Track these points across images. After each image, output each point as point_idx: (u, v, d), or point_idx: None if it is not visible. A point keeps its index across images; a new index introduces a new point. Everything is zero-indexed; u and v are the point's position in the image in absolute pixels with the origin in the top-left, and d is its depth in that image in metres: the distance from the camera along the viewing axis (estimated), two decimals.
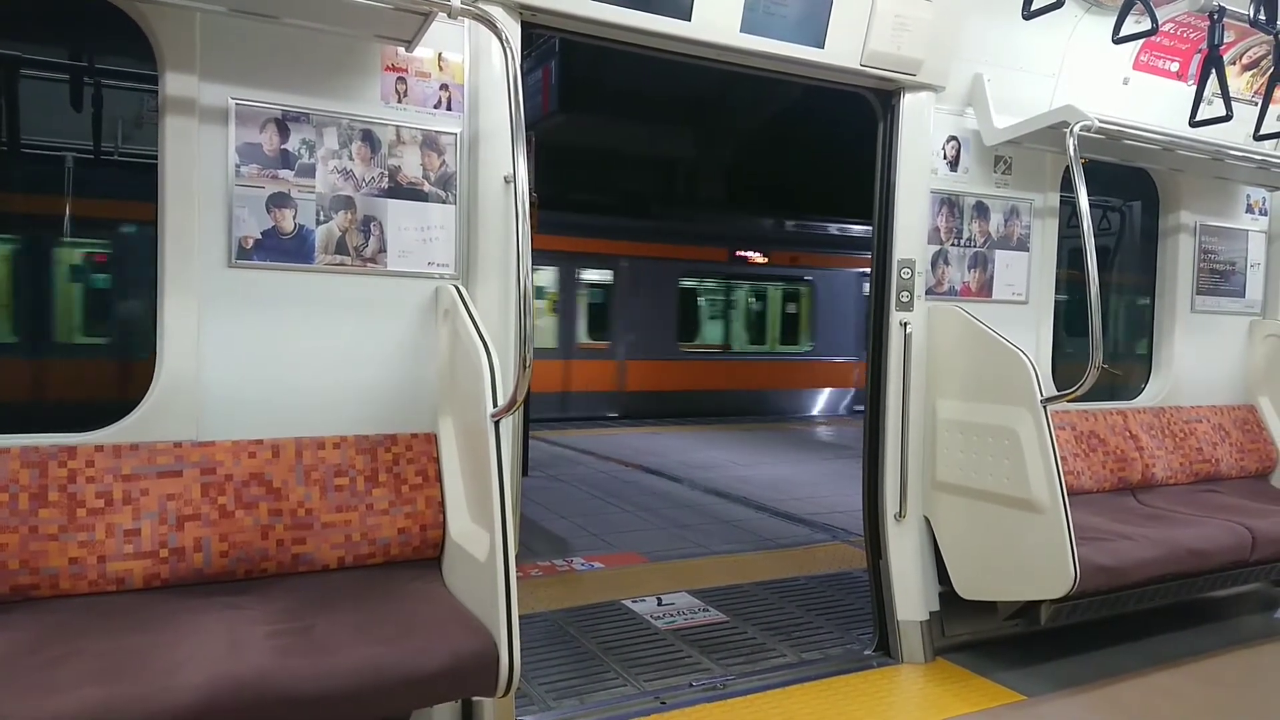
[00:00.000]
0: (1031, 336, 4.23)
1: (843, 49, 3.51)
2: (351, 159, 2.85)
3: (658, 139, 16.98)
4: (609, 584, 4.94)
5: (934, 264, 3.99)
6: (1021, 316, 4.22)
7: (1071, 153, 3.50)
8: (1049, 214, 4.30)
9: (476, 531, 2.58)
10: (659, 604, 4.55)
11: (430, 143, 2.95)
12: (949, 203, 4.02)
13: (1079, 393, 3.44)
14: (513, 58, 2.54)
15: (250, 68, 2.70)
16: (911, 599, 3.85)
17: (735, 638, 4.09)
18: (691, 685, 3.54)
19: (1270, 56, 4.20)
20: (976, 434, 3.72)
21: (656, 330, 15.16)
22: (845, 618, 4.40)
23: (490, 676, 2.29)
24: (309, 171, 2.79)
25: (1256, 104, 4.41)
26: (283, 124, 2.75)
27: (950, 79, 3.84)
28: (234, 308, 2.72)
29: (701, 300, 16.06)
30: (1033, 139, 3.91)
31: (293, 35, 2.72)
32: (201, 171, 2.65)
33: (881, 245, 3.91)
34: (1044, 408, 3.48)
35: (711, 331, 16.12)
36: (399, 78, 2.90)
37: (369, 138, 2.87)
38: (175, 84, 2.61)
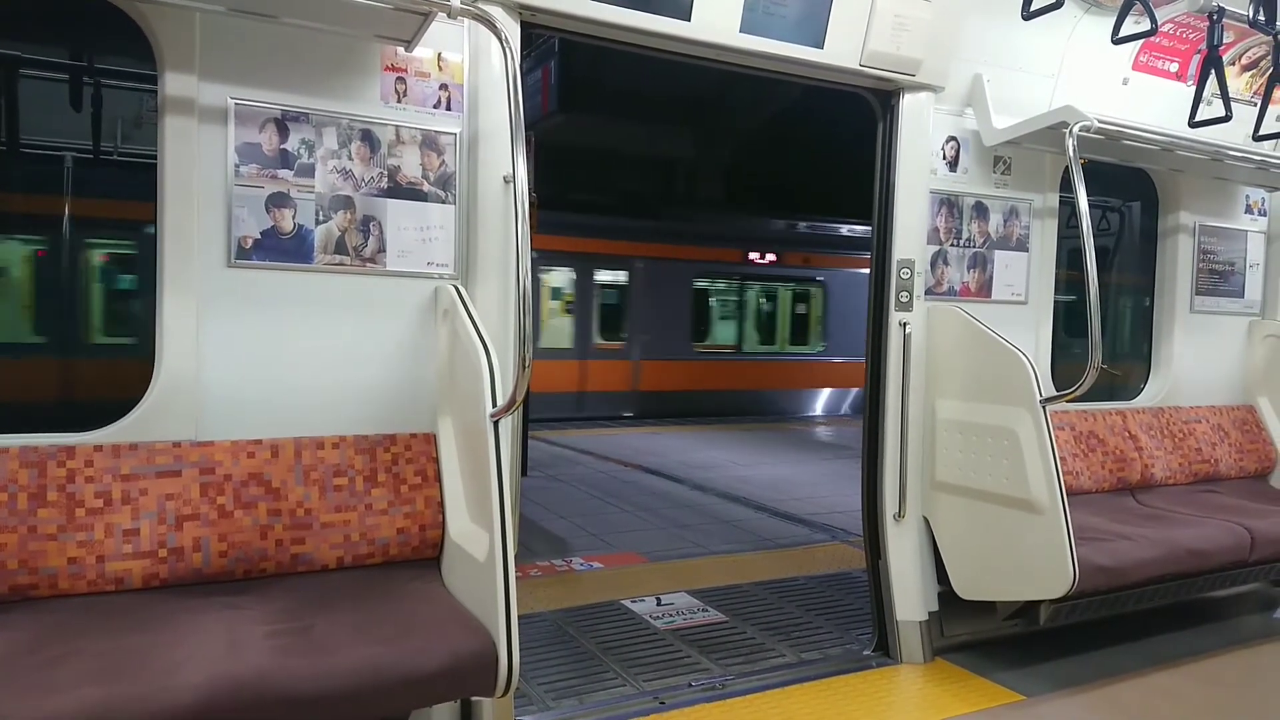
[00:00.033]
0: (1031, 337, 4.24)
1: (842, 49, 3.51)
2: (351, 159, 2.85)
3: (657, 139, 16.99)
4: (608, 584, 4.94)
5: (933, 264, 3.99)
6: (1021, 317, 4.23)
7: (1071, 153, 3.50)
8: (1048, 214, 4.30)
9: (476, 531, 2.57)
10: (658, 604, 4.55)
11: (430, 143, 2.95)
12: (948, 203, 4.02)
13: (1078, 393, 3.44)
14: (512, 58, 2.54)
15: (250, 67, 2.70)
16: (911, 599, 3.85)
17: (734, 638, 4.09)
18: (691, 685, 3.54)
19: (1269, 57, 4.20)
20: (976, 434, 3.72)
21: (671, 331, 15.28)
22: (844, 618, 4.40)
23: (489, 676, 2.29)
24: (308, 171, 2.79)
25: (1256, 104, 4.42)
26: (282, 124, 2.75)
27: (950, 79, 3.84)
28: (233, 307, 2.72)
29: (715, 301, 16.16)
30: (1032, 139, 3.91)
31: (292, 35, 2.72)
32: (201, 171, 2.65)
33: (881, 245, 3.91)
34: (1043, 408, 3.48)
35: (725, 332, 16.22)
36: (398, 77, 2.90)
37: (368, 137, 2.87)
38: (175, 84, 2.61)
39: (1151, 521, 3.97)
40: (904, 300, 3.85)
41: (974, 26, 3.84)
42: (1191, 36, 4.25)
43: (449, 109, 2.98)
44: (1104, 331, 3.51)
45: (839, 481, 8.67)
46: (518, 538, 3.05)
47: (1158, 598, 3.85)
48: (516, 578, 2.35)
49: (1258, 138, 4.39)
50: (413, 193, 2.94)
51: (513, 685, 2.32)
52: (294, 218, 2.78)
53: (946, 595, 3.89)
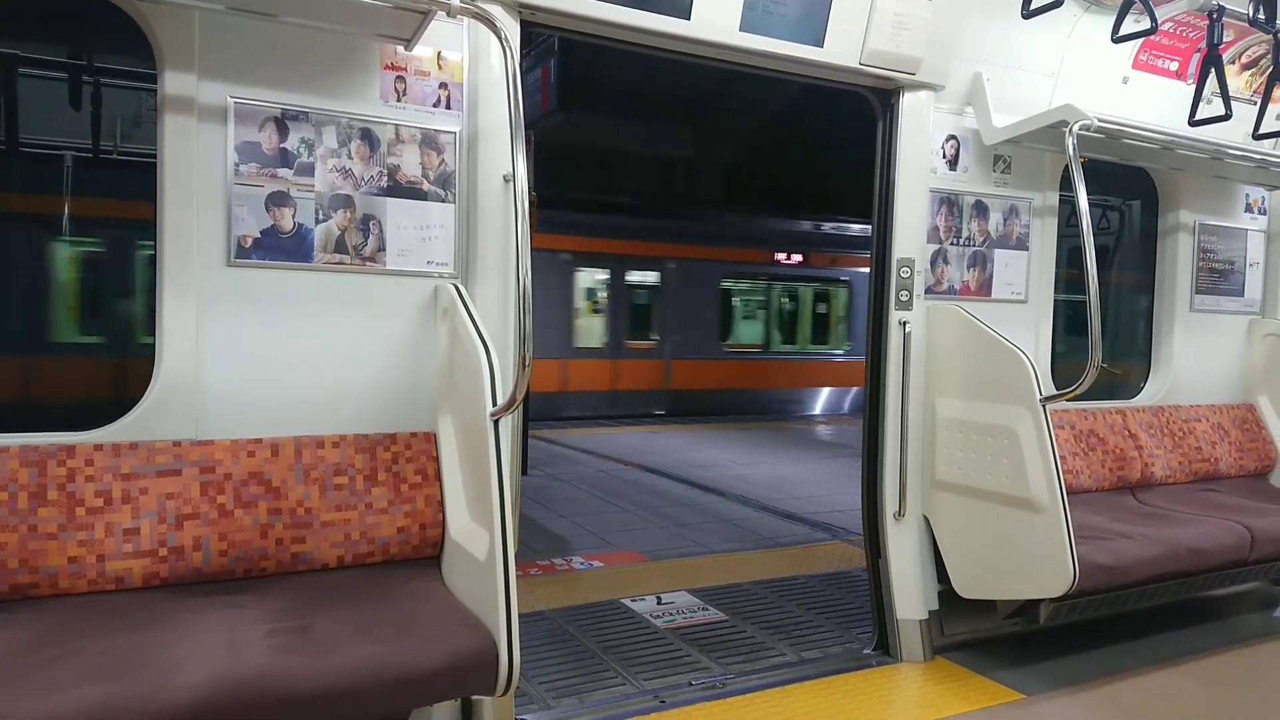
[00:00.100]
0: (1030, 335, 4.24)
1: (842, 48, 3.51)
2: (350, 158, 2.85)
3: (657, 138, 17.01)
4: (608, 583, 4.94)
5: (933, 263, 3.99)
6: (1021, 315, 4.23)
7: (1071, 152, 3.50)
8: (1048, 213, 4.30)
9: (476, 530, 2.58)
10: (658, 603, 4.55)
11: (429, 141, 2.95)
12: (948, 202, 4.02)
13: (1078, 392, 3.44)
14: (512, 56, 2.54)
15: (249, 66, 2.70)
16: (911, 598, 3.85)
17: (734, 636, 4.09)
18: (691, 684, 3.54)
19: (1269, 56, 4.20)
20: (976, 433, 3.72)
21: (700, 330, 15.50)
22: (844, 616, 4.40)
23: (490, 675, 2.29)
24: (308, 170, 2.79)
25: (1255, 103, 4.41)
26: (282, 123, 2.75)
27: (949, 78, 3.84)
28: (233, 307, 2.71)
29: (744, 301, 16.37)
30: (1032, 138, 3.91)
31: (291, 34, 2.71)
32: (200, 170, 2.65)
33: (881, 244, 3.91)
34: (1043, 407, 3.48)
35: (753, 331, 16.41)
36: (398, 76, 2.90)
37: (368, 136, 2.86)
38: (174, 83, 2.61)
39: (1151, 520, 3.97)
40: (904, 299, 3.85)
41: (974, 25, 3.84)
42: (1191, 35, 4.25)
43: (449, 108, 2.98)
44: (1104, 330, 3.51)
45: (839, 480, 8.68)
46: (518, 536, 3.06)
47: (1158, 596, 3.85)
48: (517, 576, 2.35)
49: (1258, 136, 4.38)
50: (412, 191, 2.94)
51: (513, 684, 2.32)
52: (294, 217, 2.77)
53: (946, 594, 3.89)
